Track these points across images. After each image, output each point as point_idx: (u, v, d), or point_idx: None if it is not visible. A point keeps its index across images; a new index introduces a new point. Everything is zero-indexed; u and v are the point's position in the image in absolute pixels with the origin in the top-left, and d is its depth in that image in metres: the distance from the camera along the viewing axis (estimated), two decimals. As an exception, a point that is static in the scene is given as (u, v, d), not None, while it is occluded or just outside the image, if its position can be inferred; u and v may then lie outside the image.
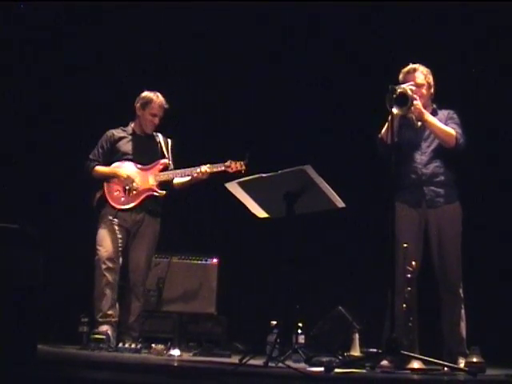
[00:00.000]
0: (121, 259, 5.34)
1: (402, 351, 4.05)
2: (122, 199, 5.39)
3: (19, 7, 6.35)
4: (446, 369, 4.22)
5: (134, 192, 5.40)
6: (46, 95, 6.50)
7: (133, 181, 5.39)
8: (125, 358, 4.67)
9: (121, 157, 5.49)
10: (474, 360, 4.38)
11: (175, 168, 5.53)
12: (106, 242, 5.31)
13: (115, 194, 5.40)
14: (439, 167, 4.82)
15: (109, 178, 5.42)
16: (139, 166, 5.48)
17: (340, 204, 4.45)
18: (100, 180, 5.44)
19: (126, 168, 5.45)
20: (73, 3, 6.38)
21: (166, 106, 5.54)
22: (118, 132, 5.58)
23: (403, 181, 4.80)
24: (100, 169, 5.46)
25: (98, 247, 5.30)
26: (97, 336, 5.01)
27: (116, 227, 5.34)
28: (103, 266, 5.24)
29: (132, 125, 5.62)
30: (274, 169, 4.35)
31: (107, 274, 5.24)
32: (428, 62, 4.92)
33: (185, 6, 6.47)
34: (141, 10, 6.56)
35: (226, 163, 5.42)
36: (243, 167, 5.38)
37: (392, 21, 6.44)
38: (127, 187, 5.39)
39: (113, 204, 5.37)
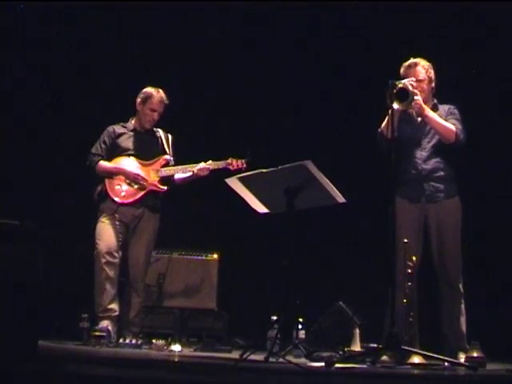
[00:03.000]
0: (120, 254, 5.35)
1: (403, 346, 4.06)
2: (123, 193, 5.39)
3: (19, 7, 6.33)
4: (446, 364, 4.22)
5: (136, 186, 5.40)
6: (45, 93, 6.49)
7: (144, 178, 5.39)
8: (125, 353, 4.68)
9: (121, 153, 5.49)
10: (475, 355, 4.38)
11: (176, 164, 5.54)
12: (105, 236, 5.31)
13: (116, 187, 5.41)
14: (439, 163, 4.82)
15: (113, 175, 5.42)
16: (141, 161, 5.48)
17: (340, 199, 4.45)
18: (102, 176, 5.44)
19: (129, 164, 5.45)
20: (73, 3, 6.38)
21: (166, 101, 5.54)
22: (118, 128, 5.58)
23: (403, 176, 4.81)
24: (104, 165, 5.45)
25: (97, 241, 5.31)
26: (97, 333, 5.02)
27: (116, 222, 5.34)
28: (102, 260, 5.24)
29: (132, 121, 5.63)
30: (274, 164, 4.35)
31: (106, 268, 5.24)
32: (429, 56, 4.91)
33: (185, 4, 6.46)
34: (142, 8, 6.55)
35: (227, 161, 5.44)
36: (244, 165, 5.40)
37: (393, 14, 6.42)
38: (135, 185, 5.39)
39: (114, 198, 5.38)
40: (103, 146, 5.51)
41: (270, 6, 6.50)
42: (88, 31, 6.55)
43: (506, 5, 5.92)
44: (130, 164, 5.46)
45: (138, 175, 5.41)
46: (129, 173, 5.41)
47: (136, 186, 5.41)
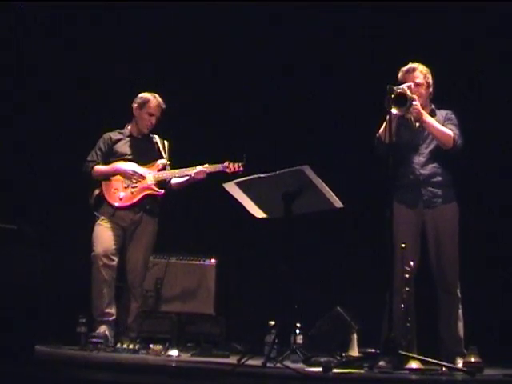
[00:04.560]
0: (117, 258, 5.34)
1: (400, 351, 4.06)
2: (120, 197, 5.40)
3: (19, 7, 6.34)
4: (444, 369, 4.22)
5: (133, 190, 5.41)
6: (44, 95, 6.49)
7: (140, 175, 5.40)
8: (123, 358, 4.67)
9: (118, 158, 5.49)
10: (472, 360, 4.37)
11: (172, 169, 5.54)
12: (102, 239, 5.31)
13: (113, 191, 5.41)
14: (437, 168, 4.82)
15: (109, 176, 5.43)
16: (138, 166, 5.48)
17: (338, 204, 4.45)
18: (99, 179, 5.44)
19: (127, 165, 5.46)
20: (73, 3, 6.38)
21: (163, 106, 5.56)
22: (114, 134, 5.59)
23: (401, 181, 4.81)
24: (100, 168, 5.46)
25: (94, 244, 5.31)
26: (94, 340, 5.01)
27: (113, 225, 5.35)
28: (99, 263, 5.24)
29: (129, 127, 5.63)
30: (272, 169, 4.35)
31: (103, 271, 5.24)
32: (427, 61, 4.92)
33: (184, 5, 6.47)
34: (139, 10, 6.56)
35: (224, 164, 5.45)
36: (241, 168, 5.41)
37: (392, 19, 6.43)
38: (134, 181, 5.39)
39: (110, 202, 5.38)
40: (99, 152, 5.51)
41: (268, 6, 6.50)
42: (84, 34, 6.57)
43: (506, 5, 5.93)
44: (126, 165, 5.47)
45: (135, 172, 5.42)
46: (125, 170, 5.42)
47: (133, 190, 5.41)
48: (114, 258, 5.31)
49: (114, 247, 5.32)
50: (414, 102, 4.58)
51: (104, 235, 5.33)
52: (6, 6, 6.19)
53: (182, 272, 6.10)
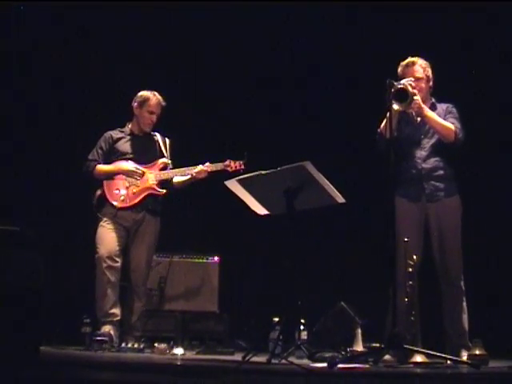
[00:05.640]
0: (121, 259, 5.34)
1: (405, 345, 4.05)
2: (122, 197, 5.40)
3: (19, 8, 6.34)
4: (448, 362, 4.22)
5: (135, 190, 5.41)
6: (44, 96, 6.49)
7: (142, 173, 5.40)
8: (128, 357, 4.67)
9: (120, 157, 5.50)
10: (477, 352, 4.38)
11: (174, 167, 5.55)
12: (105, 241, 5.32)
13: (115, 192, 5.41)
14: (439, 162, 4.82)
15: (112, 175, 5.43)
16: (139, 165, 5.48)
17: (340, 199, 4.45)
18: (101, 179, 5.44)
19: (129, 164, 5.46)
20: (73, 3, 6.37)
21: (163, 103, 5.56)
22: (115, 133, 5.59)
23: (403, 176, 4.80)
24: (102, 167, 5.46)
25: (98, 245, 5.31)
26: (99, 339, 5.02)
27: (115, 226, 5.35)
28: (104, 265, 5.25)
29: (129, 125, 5.63)
30: (273, 166, 4.35)
31: (108, 273, 5.24)
32: (426, 54, 4.91)
33: (184, 5, 6.47)
34: (139, 10, 6.55)
35: (225, 162, 5.45)
36: (242, 166, 5.42)
37: (391, 14, 6.42)
38: (136, 179, 5.39)
39: (113, 202, 5.38)
40: (100, 151, 5.51)
41: (268, 5, 6.50)
42: (84, 33, 6.57)
43: (505, 5, 5.92)
44: (128, 164, 5.47)
45: (137, 169, 5.42)
46: (126, 169, 5.42)
47: (135, 190, 5.41)
48: (117, 259, 5.31)
49: (117, 248, 5.33)
50: (414, 97, 4.57)
51: (107, 237, 5.33)
52: (6, 6, 6.19)
53: (186, 270, 6.11)
